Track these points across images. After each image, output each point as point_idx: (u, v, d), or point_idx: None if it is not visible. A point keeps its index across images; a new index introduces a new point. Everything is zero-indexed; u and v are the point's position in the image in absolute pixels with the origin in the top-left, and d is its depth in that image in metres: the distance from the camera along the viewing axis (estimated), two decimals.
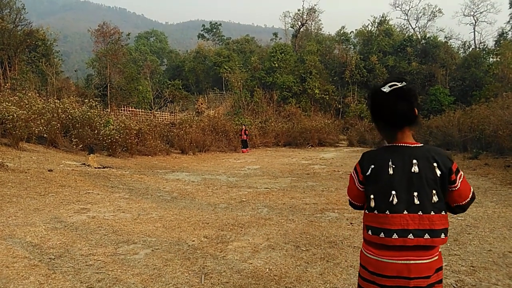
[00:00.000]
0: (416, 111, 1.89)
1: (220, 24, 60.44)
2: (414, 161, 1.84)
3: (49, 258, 4.14)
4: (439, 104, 32.53)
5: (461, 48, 42.95)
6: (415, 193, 1.82)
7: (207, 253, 4.49)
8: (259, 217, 6.27)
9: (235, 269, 3.99)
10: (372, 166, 1.94)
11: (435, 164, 1.83)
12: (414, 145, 1.90)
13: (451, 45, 41.40)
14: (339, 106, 37.81)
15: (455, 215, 6.14)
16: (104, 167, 11.56)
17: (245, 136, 21.76)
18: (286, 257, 4.39)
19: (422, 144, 1.91)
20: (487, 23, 46.01)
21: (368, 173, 1.95)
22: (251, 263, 4.16)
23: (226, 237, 5.14)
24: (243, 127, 22.45)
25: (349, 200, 2.19)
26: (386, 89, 1.88)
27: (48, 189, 7.75)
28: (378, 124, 1.98)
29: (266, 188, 9.43)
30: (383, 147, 1.97)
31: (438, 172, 1.83)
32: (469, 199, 1.92)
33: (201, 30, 60.12)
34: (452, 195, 1.90)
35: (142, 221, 5.90)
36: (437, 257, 1.85)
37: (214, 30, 59.04)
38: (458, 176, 1.88)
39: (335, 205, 7.24)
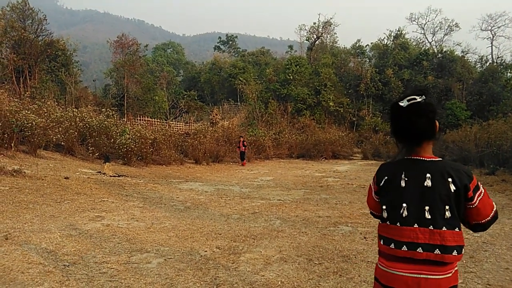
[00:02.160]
0: (437, 125, 1.88)
1: (236, 37, 61.05)
2: (428, 175, 1.82)
3: (64, 265, 4.18)
4: (455, 119, 32.16)
5: (478, 62, 42.60)
6: (427, 207, 1.79)
7: (219, 264, 4.48)
8: (271, 229, 6.24)
9: (247, 281, 3.97)
10: (386, 178, 1.94)
11: (449, 180, 1.79)
12: (430, 159, 1.87)
13: (468, 59, 41.12)
14: (354, 118, 37.67)
15: (471, 232, 6.03)
16: (119, 176, 11.68)
17: (243, 147, 20.70)
18: (299, 270, 4.35)
19: (440, 159, 1.88)
20: (505, 37, 45.74)
21: (381, 184, 1.96)
22: (263, 275, 4.14)
23: (238, 248, 5.13)
24: (241, 138, 21.29)
25: (370, 210, 2.20)
26: (404, 103, 1.86)
27: (64, 196, 7.86)
28: (396, 137, 1.97)
29: (279, 200, 9.40)
30: (399, 160, 1.96)
31: (453, 188, 1.78)
32: (489, 218, 1.86)
33: (217, 42, 60.79)
34: (470, 213, 1.85)
35: (156, 230, 5.93)
36: (451, 274, 1.79)
37: (230, 42, 59.64)
38: (477, 193, 1.83)
39: (349, 218, 7.18)
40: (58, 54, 27.39)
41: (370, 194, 2.13)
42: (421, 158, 1.88)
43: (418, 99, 1.84)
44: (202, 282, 3.90)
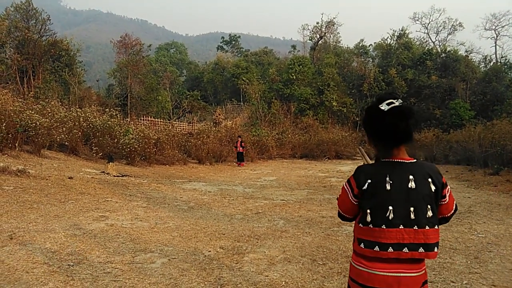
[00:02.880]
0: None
1: (239, 36, 60.98)
2: (411, 177, 1.88)
3: (68, 264, 4.20)
4: (459, 119, 32.04)
5: (482, 62, 42.42)
6: (412, 208, 1.85)
7: (223, 264, 4.48)
8: (275, 229, 6.24)
9: (251, 281, 3.97)
10: (369, 181, 1.93)
11: (429, 180, 1.89)
12: (409, 161, 1.93)
13: (471, 59, 40.90)
14: (357, 118, 37.55)
15: (475, 232, 6.01)
16: (122, 176, 11.71)
17: (241, 148, 19.99)
18: (303, 270, 4.35)
19: (415, 160, 1.95)
20: (509, 37, 45.53)
21: (364, 187, 1.94)
22: (267, 276, 4.14)
23: (242, 248, 5.13)
24: (239, 138, 20.52)
25: (338, 211, 2.20)
26: (384, 107, 1.90)
27: (68, 196, 7.88)
28: (374, 140, 2.00)
29: (283, 200, 9.39)
30: (380, 163, 1.99)
31: (433, 188, 1.88)
32: (453, 211, 2.02)
33: (220, 42, 60.76)
34: (441, 208, 1.97)
35: (159, 230, 5.94)
36: (424, 271, 1.91)
37: (233, 42, 59.58)
38: (447, 189, 1.96)
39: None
40: (62, 54, 27.45)
41: (345, 197, 2.07)
42: (402, 160, 1.93)
43: (396, 103, 1.89)
44: (206, 282, 3.91)
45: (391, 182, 1.88)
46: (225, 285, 3.86)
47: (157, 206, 7.92)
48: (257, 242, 5.47)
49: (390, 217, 1.85)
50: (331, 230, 6.30)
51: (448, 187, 1.97)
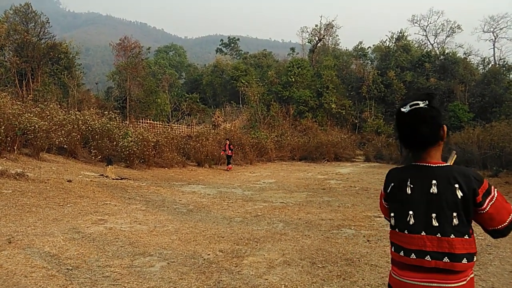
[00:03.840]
0: (445, 129, 1.84)
1: (238, 39, 61.14)
2: (434, 181, 1.77)
3: (67, 268, 4.18)
4: (458, 121, 32.08)
5: (481, 64, 42.56)
6: (433, 215, 1.75)
7: (222, 267, 4.47)
8: (274, 232, 6.23)
9: (250, 285, 3.96)
10: (392, 184, 1.92)
11: (456, 186, 1.74)
12: (436, 165, 1.83)
13: (470, 61, 41.06)
14: (356, 121, 37.63)
15: (475, 234, 6.01)
16: (121, 179, 11.69)
17: (229, 151, 19.08)
18: (302, 273, 4.34)
19: (447, 164, 1.85)
20: (507, 39, 45.35)
21: (388, 190, 1.94)
22: (267, 279, 4.13)
23: (241, 251, 5.12)
24: (227, 141, 19.55)
25: (383, 215, 2.19)
26: (406, 109, 1.83)
27: (66, 199, 7.87)
28: (402, 144, 1.93)
29: (282, 202, 9.39)
30: (406, 166, 1.92)
31: (460, 194, 1.73)
32: (506, 223, 1.77)
33: (219, 45, 60.90)
34: (483, 218, 1.79)
35: (158, 233, 5.93)
36: (465, 282, 1.74)
37: (232, 45, 59.72)
38: (488, 198, 1.76)
39: (352, 221, 7.16)
40: (61, 57, 27.48)
41: (381, 200, 2.12)
42: (427, 164, 1.84)
43: (421, 104, 1.81)
44: (205, 286, 3.89)
45: (411, 186, 1.82)
46: None
47: (156, 209, 7.91)
48: (257, 245, 5.46)
49: (410, 222, 1.79)
50: (330, 232, 6.30)
51: (493, 195, 1.76)
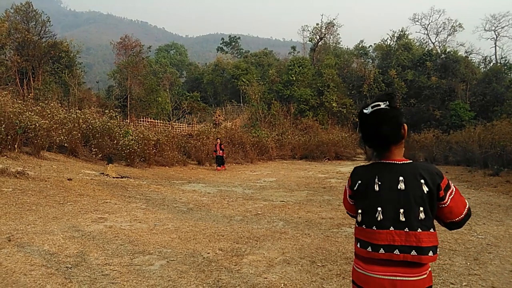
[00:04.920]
0: (405, 128, 1.89)
1: (239, 38, 61.04)
2: (401, 178, 1.84)
3: (66, 267, 4.18)
4: (459, 119, 32.05)
5: (482, 63, 42.48)
6: (401, 210, 1.81)
7: (222, 266, 4.47)
8: (274, 231, 6.22)
9: (249, 283, 3.95)
10: (359, 182, 1.97)
11: (422, 181, 1.82)
12: (401, 162, 1.89)
13: (471, 59, 40.95)
14: (357, 119, 37.52)
15: (475, 234, 6.00)
16: (122, 177, 11.69)
17: (221, 151, 18.15)
18: (302, 272, 4.33)
19: (410, 161, 1.91)
20: (509, 38, 45.35)
21: (355, 188, 1.99)
22: (266, 278, 4.12)
23: (241, 250, 5.11)
24: (218, 141, 18.64)
25: (346, 211, 2.25)
26: (368, 110, 1.91)
27: (67, 197, 7.87)
28: (366, 143, 1.99)
29: (282, 201, 9.38)
30: (372, 163, 1.98)
31: (426, 189, 1.81)
32: (463, 215, 1.89)
33: (220, 43, 60.82)
34: (443, 212, 1.87)
35: (158, 231, 5.92)
36: (425, 275, 1.82)
37: (233, 44, 59.64)
38: (448, 192, 1.86)
39: (352, 220, 7.14)
40: (62, 56, 27.47)
41: (345, 196, 2.16)
42: (392, 161, 1.91)
43: (382, 105, 1.88)
44: (204, 285, 3.89)
45: (379, 183, 1.87)
46: (223, 287, 3.84)
47: (156, 208, 7.91)
48: (256, 243, 5.45)
49: (379, 218, 1.83)
50: (330, 231, 6.29)
51: (452, 189, 1.87)
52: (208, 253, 4.94)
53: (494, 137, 16.27)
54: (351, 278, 2.04)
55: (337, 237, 5.89)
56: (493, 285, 4.01)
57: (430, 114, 34.62)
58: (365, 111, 1.92)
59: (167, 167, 16.62)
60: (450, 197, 1.86)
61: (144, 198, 8.89)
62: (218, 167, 17.91)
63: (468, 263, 4.66)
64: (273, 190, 11.39)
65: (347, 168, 19.73)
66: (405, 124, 1.89)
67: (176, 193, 10.05)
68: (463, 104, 33.68)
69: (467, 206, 1.91)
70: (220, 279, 4.05)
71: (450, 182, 1.89)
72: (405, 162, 1.89)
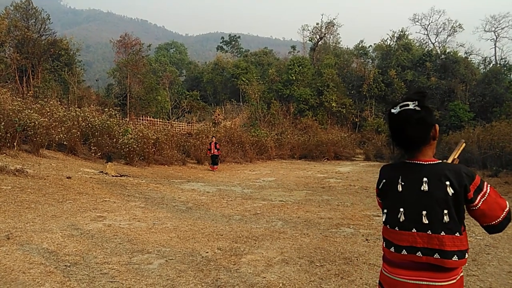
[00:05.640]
0: (436, 128, 1.84)
1: (239, 37, 60.98)
2: (425, 179, 1.79)
3: (65, 265, 4.18)
4: (458, 120, 32.07)
5: (482, 64, 42.48)
6: (424, 212, 1.76)
7: (221, 265, 4.47)
8: (273, 230, 6.23)
9: (248, 283, 3.96)
10: (384, 181, 1.95)
11: (447, 183, 1.74)
12: (428, 163, 1.83)
13: (471, 60, 40.96)
14: (356, 119, 37.61)
15: (473, 235, 6.01)
16: (121, 176, 11.69)
17: (215, 150, 17.43)
18: (300, 272, 4.34)
19: (439, 161, 1.85)
20: (509, 39, 45.29)
21: (380, 187, 1.98)
22: (265, 277, 4.13)
23: (239, 249, 5.12)
24: (213, 139, 17.97)
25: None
26: (396, 110, 1.84)
27: (66, 196, 7.87)
28: (394, 143, 1.95)
29: (281, 200, 9.39)
30: (399, 163, 1.94)
31: (451, 191, 1.73)
32: (500, 219, 1.77)
33: (220, 42, 60.75)
34: (475, 215, 1.79)
35: (157, 230, 5.93)
36: (455, 281, 1.75)
37: (233, 43, 59.58)
38: (480, 194, 1.75)
39: (351, 220, 7.16)
40: (61, 54, 27.44)
41: (376, 195, 2.16)
42: (419, 162, 1.85)
43: (411, 105, 1.81)
44: (203, 284, 3.89)
45: (402, 183, 1.84)
46: (222, 286, 3.85)
47: (155, 207, 7.91)
48: (255, 243, 5.46)
49: (401, 219, 1.80)
50: (329, 231, 6.30)
51: (485, 191, 1.76)
52: (207, 252, 4.95)
53: (493, 138, 16.28)
54: (374, 280, 2.02)
55: (335, 237, 5.90)
56: (491, 286, 4.03)
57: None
58: (393, 110, 1.85)
59: (166, 166, 16.62)
60: (482, 200, 1.76)
61: (143, 197, 8.89)
62: (212, 166, 17.40)
63: (467, 264, 4.66)
64: (272, 190, 11.40)
65: (346, 168, 19.73)
66: (436, 125, 1.84)
67: (175, 192, 10.05)
68: (463, 105, 33.71)
69: (507, 209, 1.79)
70: (219, 278, 4.06)
71: (484, 183, 1.79)
72: (431, 162, 1.83)
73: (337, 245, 5.47)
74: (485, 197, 1.76)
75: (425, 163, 1.84)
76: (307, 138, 27.23)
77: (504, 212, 1.78)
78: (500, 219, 1.77)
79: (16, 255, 4.35)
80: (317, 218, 7.31)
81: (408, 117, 1.79)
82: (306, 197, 10.14)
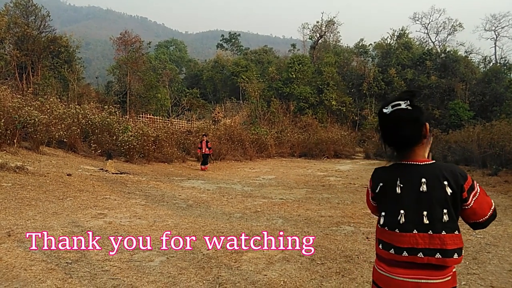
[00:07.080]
0: (427, 127, 1.85)
1: (239, 35, 60.90)
2: (423, 180, 1.80)
3: (66, 262, 4.19)
4: (458, 119, 32.06)
5: (482, 62, 42.42)
6: (425, 213, 1.78)
7: (222, 262, 4.48)
8: (273, 228, 6.24)
9: (249, 280, 3.97)
10: (381, 184, 1.94)
11: (445, 183, 1.78)
12: (424, 163, 1.85)
13: (471, 59, 40.91)
14: (356, 118, 37.59)
15: (474, 233, 6.01)
16: (121, 173, 11.69)
17: (207, 149, 16.40)
18: (301, 270, 4.35)
19: (433, 161, 1.86)
20: (509, 38, 45.33)
21: (377, 190, 1.96)
22: (266, 275, 4.14)
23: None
24: (204, 137, 16.87)
25: (371, 211, 2.21)
26: (387, 109, 1.84)
27: (66, 193, 7.87)
28: (386, 144, 1.94)
29: (281, 198, 9.39)
30: (393, 165, 1.94)
31: (449, 191, 1.77)
32: (487, 216, 1.84)
33: (220, 40, 60.66)
34: (466, 213, 1.83)
35: (158, 228, 5.93)
36: (450, 278, 1.79)
37: (233, 40, 59.49)
38: (472, 194, 1.81)
39: (351, 218, 7.17)
40: (61, 51, 27.35)
41: (368, 198, 2.13)
42: (414, 162, 1.86)
43: (403, 104, 1.81)
44: (204, 281, 3.90)
45: (401, 185, 1.84)
46: (223, 284, 3.86)
47: (155, 204, 7.91)
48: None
49: (401, 221, 1.80)
50: (329, 229, 6.30)
51: (476, 190, 1.82)
52: (208, 250, 4.95)
53: (493, 137, 16.29)
54: (371, 279, 2.02)
55: (336, 235, 5.91)
56: (492, 285, 4.04)
57: (429, 114, 34.61)
58: (384, 110, 1.85)
59: (166, 163, 16.62)
60: (473, 199, 1.81)
61: (143, 194, 8.89)
62: (202, 166, 16.29)
63: (467, 263, 4.68)
64: (272, 188, 11.41)
65: (346, 166, 19.75)
66: (426, 123, 1.85)
67: (176, 190, 10.05)
68: (462, 104, 33.69)
69: (493, 206, 1.86)
70: (220, 275, 4.06)
71: (474, 182, 1.84)
72: (427, 163, 1.85)
73: (338, 243, 5.48)
74: (476, 196, 1.82)
75: (421, 163, 1.85)
76: (307, 136, 27.21)
77: (491, 210, 1.85)
78: (487, 216, 1.84)
79: (17, 252, 4.36)
80: (317, 216, 7.32)
81: (401, 117, 1.81)
82: (306, 195, 10.14)
